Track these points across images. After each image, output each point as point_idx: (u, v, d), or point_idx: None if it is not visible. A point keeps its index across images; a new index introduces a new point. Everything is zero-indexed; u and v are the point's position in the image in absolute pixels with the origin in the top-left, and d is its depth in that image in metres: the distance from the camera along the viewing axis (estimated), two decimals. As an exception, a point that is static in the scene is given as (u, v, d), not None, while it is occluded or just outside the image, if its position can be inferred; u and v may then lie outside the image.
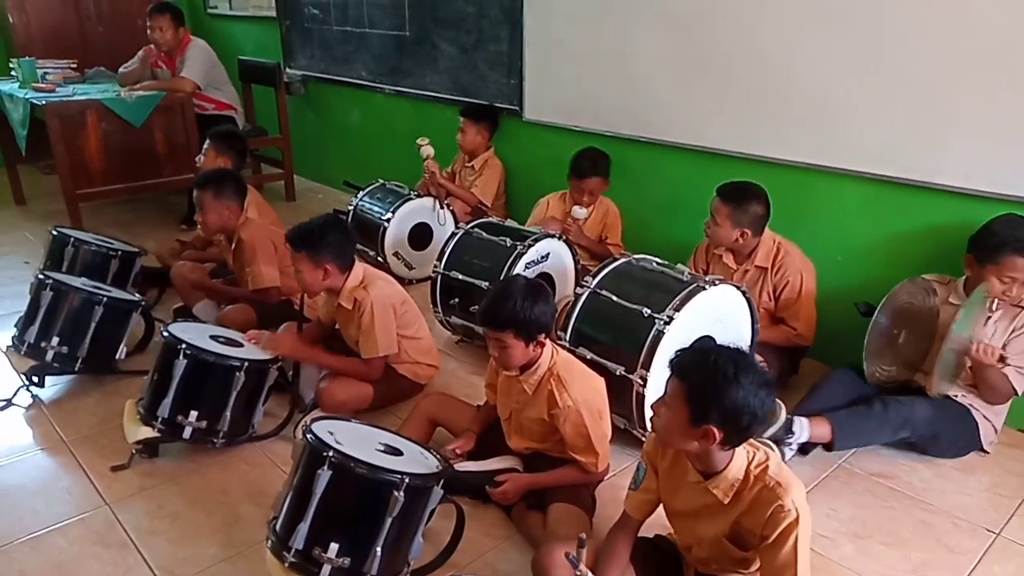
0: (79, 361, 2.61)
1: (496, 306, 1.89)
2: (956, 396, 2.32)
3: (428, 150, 3.68)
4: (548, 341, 1.97)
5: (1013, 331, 2.26)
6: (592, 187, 3.28)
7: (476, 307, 2.81)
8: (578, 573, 1.47)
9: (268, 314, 2.84)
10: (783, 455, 2.20)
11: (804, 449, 2.31)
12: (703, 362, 1.39)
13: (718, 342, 2.23)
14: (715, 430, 1.37)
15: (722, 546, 1.53)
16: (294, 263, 2.38)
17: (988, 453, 2.37)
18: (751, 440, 1.49)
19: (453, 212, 3.68)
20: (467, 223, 3.08)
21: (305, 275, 2.37)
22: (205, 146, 3.37)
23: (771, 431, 2.18)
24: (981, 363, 2.21)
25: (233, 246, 2.92)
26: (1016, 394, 2.29)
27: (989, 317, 2.29)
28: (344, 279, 2.40)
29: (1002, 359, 2.22)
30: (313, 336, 2.60)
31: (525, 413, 2.02)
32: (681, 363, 1.44)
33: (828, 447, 2.30)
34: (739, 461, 1.46)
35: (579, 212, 3.24)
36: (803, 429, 2.23)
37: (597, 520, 1.99)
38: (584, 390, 1.95)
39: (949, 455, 2.36)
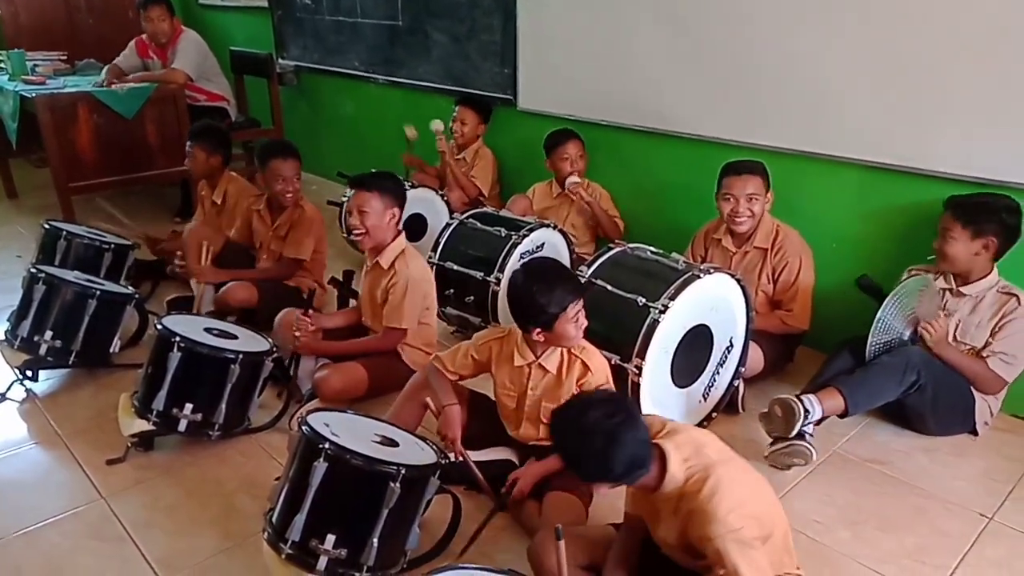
0: (73, 355, 2.60)
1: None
2: None
3: (437, 124, 3.74)
4: None
5: (1002, 317, 2.26)
6: (571, 152, 3.29)
7: (471, 297, 2.82)
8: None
9: (269, 296, 2.87)
10: (807, 436, 2.20)
11: (818, 422, 2.27)
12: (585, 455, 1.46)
13: (712, 330, 2.27)
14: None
15: (681, 554, 1.54)
16: (360, 205, 2.40)
17: (977, 436, 2.38)
18: (694, 450, 1.48)
19: (448, 202, 3.67)
20: (462, 213, 3.07)
21: (373, 217, 2.41)
22: (188, 147, 3.33)
23: (796, 427, 2.17)
24: (934, 345, 2.26)
25: (286, 213, 3.05)
26: (1006, 382, 2.30)
27: (940, 294, 2.33)
28: (396, 235, 2.48)
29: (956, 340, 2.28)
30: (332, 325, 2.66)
31: (550, 396, 1.99)
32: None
33: (843, 415, 2.26)
34: (673, 480, 1.45)
35: (574, 179, 3.27)
36: (814, 405, 2.21)
37: (593, 509, 2.00)
38: (600, 356, 2.02)
39: (942, 427, 2.36)
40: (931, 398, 2.27)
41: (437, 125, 3.74)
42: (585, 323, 1.92)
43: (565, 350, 1.97)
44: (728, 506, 1.40)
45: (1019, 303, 2.23)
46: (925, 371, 2.22)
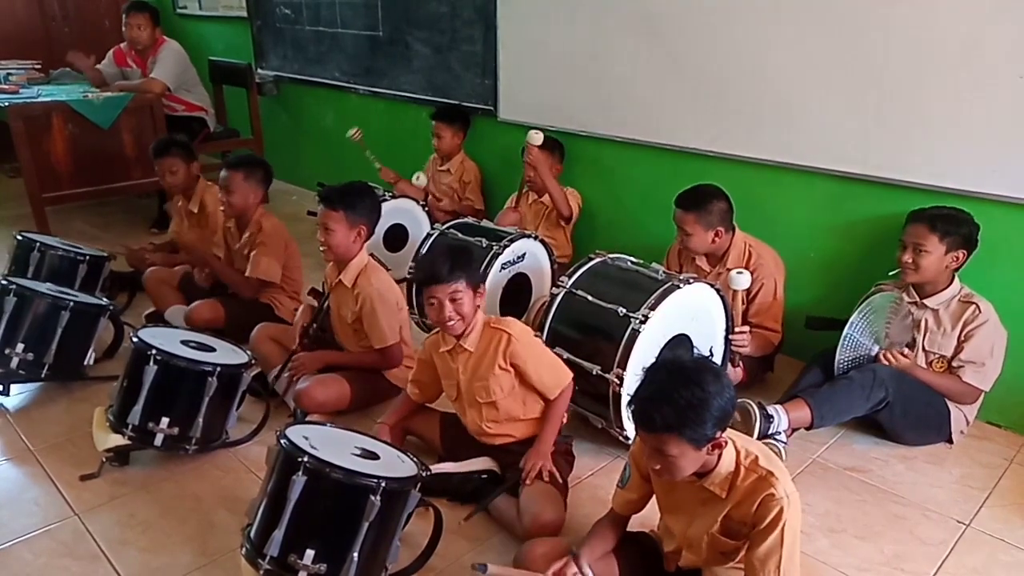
0: (46, 368, 2.55)
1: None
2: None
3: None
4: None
5: (965, 326, 2.29)
6: (532, 157, 3.25)
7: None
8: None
9: (237, 313, 2.83)
10: (781, 448, 2.23)
11: (790, 434, 2.30)
12: (669, 402, 1.38)
13: (693, 340, 2.28)
14: (719, 436, 1.43)
15: (714, 541, 1.56)
16: (326, 222, 2.37)
17: (952, 444, 2.40)
18: (737, 435, 1.54)
19: (429, 213, 3.67)
20: (443, 223, 3.06)
21: (338, 235, 2.38)
22: (163, 162, 3.19)
23: (756, 430, 2.19)
24: (901, 368, 2.28)
25: (247, 233, 2.94)
26: (982, 391, 2.33)
27: (910, 314, 2.34)
28: (359, 251, 2.45)
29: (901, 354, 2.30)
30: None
31: (478, 375, 2.03)
32: (650, 417, 1.40)
33: (810, 427, 2.29)
34: (728, 455, 1.49)
35: (535, 137, 3.19)
36: (779, 414, 2.24)
37: (572, 521, 1.99)
38: (519, 323, 2.06)
39: (918, 438, 2.39)
40: (901, 414, 2.30)
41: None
42: (463, 309, 1.95)
43: (483, 326, 2.02)
44: (788, 479, 1.48)
45: (979, 310, 2.28)
46: (893, 387, 2.25)
